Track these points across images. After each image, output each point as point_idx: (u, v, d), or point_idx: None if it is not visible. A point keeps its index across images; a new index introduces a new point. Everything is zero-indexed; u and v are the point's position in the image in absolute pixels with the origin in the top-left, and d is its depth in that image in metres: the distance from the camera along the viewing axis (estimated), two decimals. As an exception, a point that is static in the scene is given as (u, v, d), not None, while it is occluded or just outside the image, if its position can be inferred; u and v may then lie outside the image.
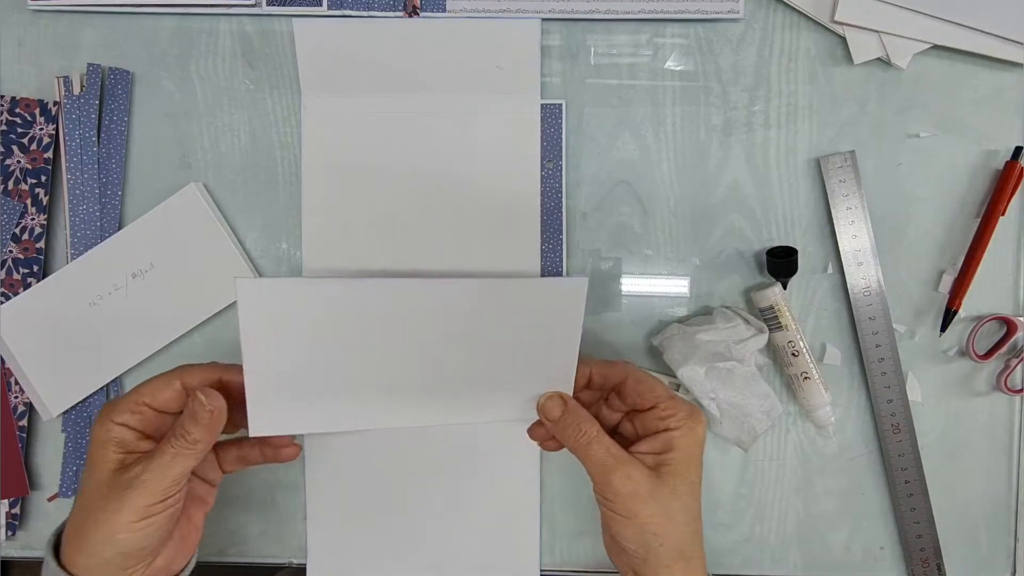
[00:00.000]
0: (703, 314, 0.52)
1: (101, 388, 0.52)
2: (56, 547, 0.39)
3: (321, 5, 0.51)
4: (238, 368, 0.39)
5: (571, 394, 0.44)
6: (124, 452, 0.37)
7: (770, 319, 0.50)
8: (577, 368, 0.43)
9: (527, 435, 0.46)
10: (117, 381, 0.53)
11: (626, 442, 0.42)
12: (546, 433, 0.44)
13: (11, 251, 0.52)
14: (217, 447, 0.43)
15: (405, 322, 0.40)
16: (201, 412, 0.37)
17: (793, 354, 0.51)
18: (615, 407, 0.45)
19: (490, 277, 0.47)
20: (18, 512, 0.53)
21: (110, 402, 0.40)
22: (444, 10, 0.51)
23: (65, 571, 0.37)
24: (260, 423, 0.41)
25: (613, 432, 0.45)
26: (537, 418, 0.44)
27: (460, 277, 0.48)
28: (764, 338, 0.49)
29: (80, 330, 0.52)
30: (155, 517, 0.36)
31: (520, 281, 0.40)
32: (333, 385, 0.42)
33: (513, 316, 0.41)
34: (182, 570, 0.41)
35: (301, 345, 0.40)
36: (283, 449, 0.42)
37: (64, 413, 0.52)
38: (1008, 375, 0.52)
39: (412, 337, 0.41)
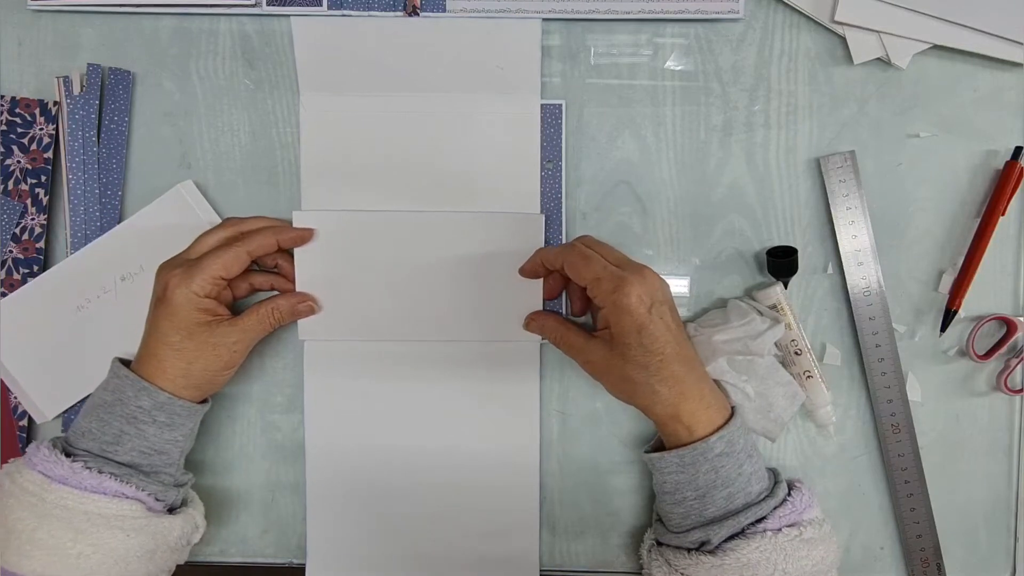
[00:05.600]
0: (718, 307, 0.52)
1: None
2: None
3: (321, 5, 0.51)
4: (286, 226, 0.50)
5: (540, 306, 0.51)
6: (211, 316, 0.47)
7: (771, 319, 0.50)
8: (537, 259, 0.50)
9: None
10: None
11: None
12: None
13: (11, 251, 0.52)
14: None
15: (413, 249, 0.51)
16: (306, 313, 0.50)
17: (796, 353, 0.51)
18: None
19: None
20: (18, 512, 0.53)
21: (182, 272, 0.46)
22: (444, 10, 0.51)
23: (151, 384, 0.46)
24: (307, 330, 0.52)
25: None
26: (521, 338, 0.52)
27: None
28: (780, 328, 0.49)
29: (68, 336, 0.51)
30: (237, 366, 0.49)
31: (492, 213, 0.51)
32: (361, 303, 0.51)
33: (489, 243, 0.51)
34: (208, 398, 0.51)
35: (337, 266, 0.51)
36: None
37: (59, 416, 0.52)
38: (1008, 375, 0.52)
39: (419, 261, 0.51)
